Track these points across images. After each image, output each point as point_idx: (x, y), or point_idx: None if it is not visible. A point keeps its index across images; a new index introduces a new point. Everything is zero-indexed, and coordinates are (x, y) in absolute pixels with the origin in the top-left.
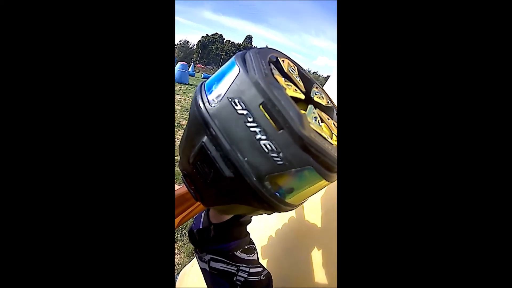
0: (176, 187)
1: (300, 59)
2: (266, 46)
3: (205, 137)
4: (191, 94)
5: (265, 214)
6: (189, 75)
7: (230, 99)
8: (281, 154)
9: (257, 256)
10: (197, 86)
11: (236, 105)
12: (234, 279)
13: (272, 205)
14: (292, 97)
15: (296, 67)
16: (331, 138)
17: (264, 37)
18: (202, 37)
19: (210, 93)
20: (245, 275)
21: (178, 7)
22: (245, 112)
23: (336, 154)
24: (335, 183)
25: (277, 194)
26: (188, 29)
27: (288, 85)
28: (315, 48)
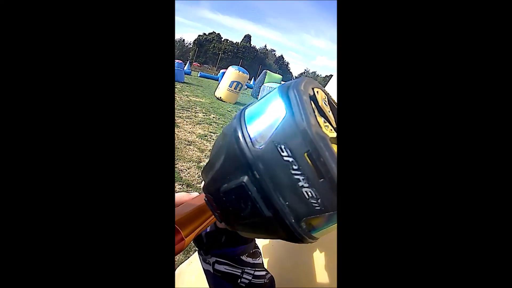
0: (193, 195)
1: (299, 59)
2: (265, 46)
3: (246, 177)
4: (186, 93)
5: None
6: (185, 74)
7: (277, 144)
8: (319, 201)
9: (262, 260)
10: (192, 84)
11: (282, 152)
12: (239, 281)
13: (302, 240)
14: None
15: (327, 98)
16: None
17: (263, 36)
18: (199, 35)
19: (252, 129)
20: (250, 278)
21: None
22: (290, 159)
23: None
24: None
25: (312, 233)
26: (184, 28)
27: (326, 125)
28: (314, 48)
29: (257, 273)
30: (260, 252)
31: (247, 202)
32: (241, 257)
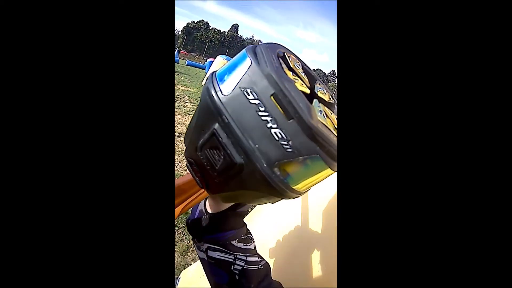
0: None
1: None
2: (252, 36)
3: (217, 124)
4: (175, 82)
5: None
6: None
7: (243, 89)
8: (290, 143)
9: (255, 246)
10: (181, 72)
11: (249, 95)
12: (232, 268)
13: (279, 191)
14: (300, 91)
15: (300, 63)
16: (335, 132)
17: (251, 26)
18: (188, 23)
19: (222, 82)
20: (243, 264)
21: None
22: (257, 101)
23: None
24: (331, 185)
25: (285, 180)
26: None
27: (295, 79)
28: (302, 40)
29: (249, 259)
30: (252, 238)
31: (220, 151)
32: (232, 242)
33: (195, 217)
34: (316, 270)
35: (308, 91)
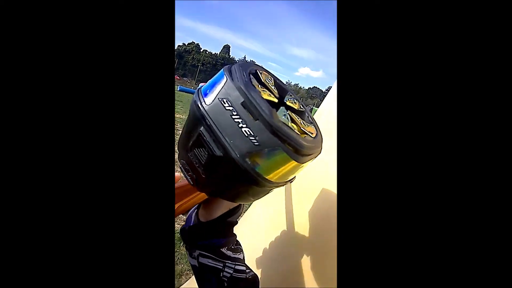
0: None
1: (280, 71)
2: (244, 57)
3: (202, 127)
4: None
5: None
6: None
7: (220, 99)
8: (257, 138)
9: (243, 257)
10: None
11: (225, 104)
12: (221, 275)
13: (253, 178)
14: (267, 100)
15: (272, 78)
16: (300, 133)
17: (243, 46)
18: (179, 46)
19: (206, 96)
20: (231, 271)
21: None
22: (231, 108)
23: (303, 142)
24: (329, 189)
25: (255, 168)
26: None
27: (263, 90)
28: (295, 58)
29: (238, 267)
30: (241, 249)
31: (204, 147)
32: (222, 249)
33: (188, 225)
34: (307, 276)
35: (275, 100)
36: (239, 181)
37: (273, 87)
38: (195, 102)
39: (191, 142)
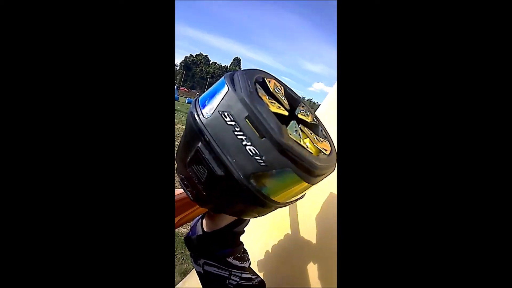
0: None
1: (293, 85)
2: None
3: (200, 143)
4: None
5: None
6: None
7: (221, 112)
8: (263, 157)
9: (249, 265)
10: (181, 111)
11: (226, 117)
12: (227, 282)
13: (259, 200)
14: (275, 113)
15: (282, 87)
16: (312, 151)
17: (253, 59)
18: (186, 57)
19: (204, 107)
20: (237, 279)
21: None
22: (233, 123)
23: (315, 162)
24: (330, 191)
25: (262, 190)
26: None
27: (271, 102)
28: (309, 73)
29: (244, 275)
30: (248, 257)
31: (203, 165)
32: (227, 259)
33: (194, 234)
34: (308, 275)
35: (286, 113)
36: (243, 201)
37: (283, 98)
38: (191, 113)
39: (189, 158)
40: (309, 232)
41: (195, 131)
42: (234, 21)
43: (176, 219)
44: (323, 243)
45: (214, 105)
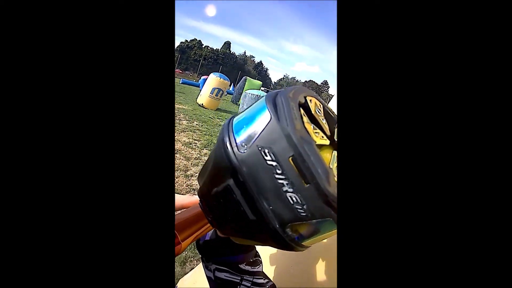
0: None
1: (278, 65)
2: (244, 52)
3: (232, 180)
4: None
5: None
6: None
7: (260, 148)
8: (305, 207)
9: (262, 269)
10: (175, 91)
11: (266, 155)
12: (238, 287)
13: (289, 246)
14: (319, 145)
15: (322, 107)
16: None
17: (243, 43)
18: (181, 42)
19: (239, 135)
20: (249, 285)
21: None
22: (274, 163)
23: None
24: None
25: (296, 239)
26: None
27: (316, 132)
28: (292, 54)
29: (256, 280)
30: (260, 261)
31: (233, 205)
32: (240, 265)
33: (205, 238)
34: (316, 275)
35: (327, 142)
36: (270, 244)
37: (323, 121)
38: (223, 141)
39: (215, 190)
40: None
41: (227, 166)
42: (227, 9)
43: (192, 237)
44: (323, 243)
45: (253, 136)
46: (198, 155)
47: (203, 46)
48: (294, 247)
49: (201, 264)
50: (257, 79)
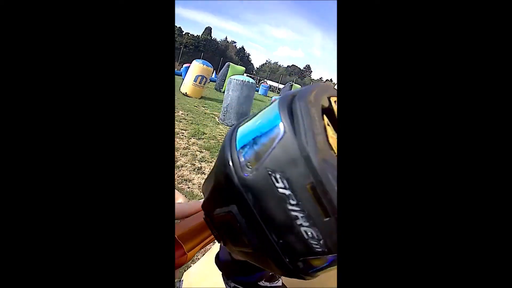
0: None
1: (260, 50)
2: (226, 38)
3: (235, 207)
4: None
5: None
6: None
7: (270, 173)
8: (321, 242)
9: (282, 282)
10: None
11: (277, 182)
12: None
13: (299, 278)
14: None
15: None
16: None
17: (224, 28)
18: None
19: (244, 152)
20: None
21: None
22: (287, 192)
23: None
24: None
25: (309, 271)
26: None
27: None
28: (275, 38)
29: None
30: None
31: (237, 233)
32: (258, 283)
33: (222, 258)
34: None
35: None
36: (277, 273)
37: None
38: (225, 157)
39: (218, 211)
40: None
41: (229, 189)
42: None
43: (200, 245)
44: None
45: (261, 154)
46: (186, 145)
47: (184, 33)
48: (304, 277)
49: (205, 256)
50: (239, 65)
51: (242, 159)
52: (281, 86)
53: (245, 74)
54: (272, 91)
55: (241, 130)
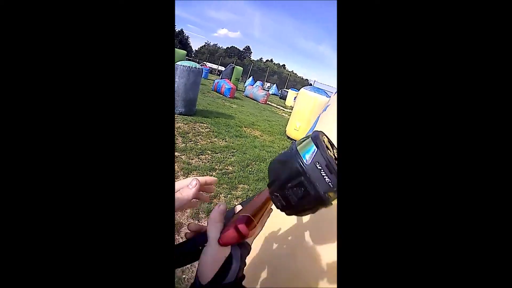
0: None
1: (199, 32)
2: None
3: (302, 177)
4: None
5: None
6: None
7: (314, 163)
8: (331, 184)
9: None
10: None
11: (317, 165)
12: None
13: (328, 204)
14: (333, 157)
15: (326, 137)
16: None
17: None
18: None
19: (304, 157)
20: None
21: None
22: (320, 168)
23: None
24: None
25: (330, 200)
26: None
27: (328, 149)
28: (214, 20)
29: None
30: None
31: (303, 189)
32: None
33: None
34: (314, 272)
35: (334, 155)
36: (316, 206)
37: (329, 144)
38: (297, 158)
39: (290, 184)
40: (309, 232)
41: (299, 171)
42: None
43: (262, 216)
44: (323, 242)
45: (310, 156)
46: None
47: None
48: (328, 204)
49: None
50: (178, 48)
51: (302, 158)
52: (221, 68)
53: (185, 58)
54: (212, 73)
55: (299, 147)
